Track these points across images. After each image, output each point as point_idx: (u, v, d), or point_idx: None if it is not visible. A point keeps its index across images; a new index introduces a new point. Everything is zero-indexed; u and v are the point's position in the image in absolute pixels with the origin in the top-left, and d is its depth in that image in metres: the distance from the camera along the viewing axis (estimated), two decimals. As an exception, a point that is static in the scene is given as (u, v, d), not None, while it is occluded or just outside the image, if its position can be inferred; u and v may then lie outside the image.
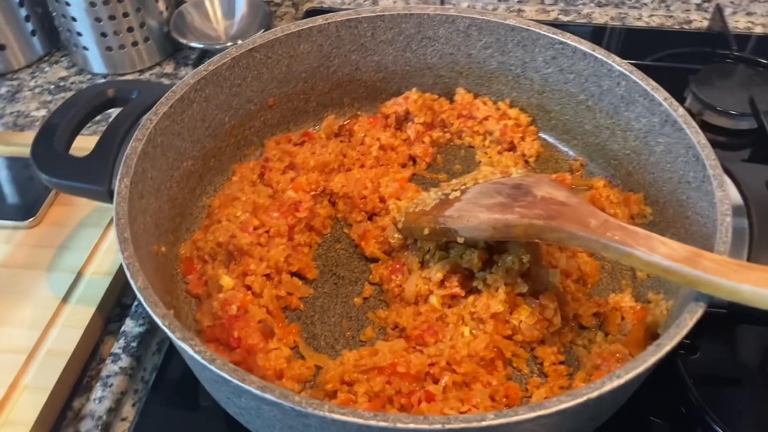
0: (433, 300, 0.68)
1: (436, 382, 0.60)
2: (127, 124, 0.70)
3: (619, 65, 0.76)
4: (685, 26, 1.23)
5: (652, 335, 0.65)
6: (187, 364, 0.65)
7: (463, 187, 0.70)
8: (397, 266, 0.71)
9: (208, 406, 0.69)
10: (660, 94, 0.72)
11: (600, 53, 0.78)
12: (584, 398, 0.47)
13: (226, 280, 0.68)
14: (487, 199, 0.65)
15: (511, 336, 0.66)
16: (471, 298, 0.67)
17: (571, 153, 0.88)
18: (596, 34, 1.22)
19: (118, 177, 0.63)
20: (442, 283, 0.68)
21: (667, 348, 0.50)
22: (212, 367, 0.49)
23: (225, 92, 0.79)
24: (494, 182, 0.68)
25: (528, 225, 0.60)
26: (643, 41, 1.20)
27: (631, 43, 1.20)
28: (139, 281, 0.55)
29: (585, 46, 0.79)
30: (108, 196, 0.66)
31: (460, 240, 0.66)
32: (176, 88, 0.73)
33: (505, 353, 0.65)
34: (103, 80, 1.14)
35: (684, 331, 0.51)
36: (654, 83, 0.73)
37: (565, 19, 1.26)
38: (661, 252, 0.53)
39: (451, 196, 0.69)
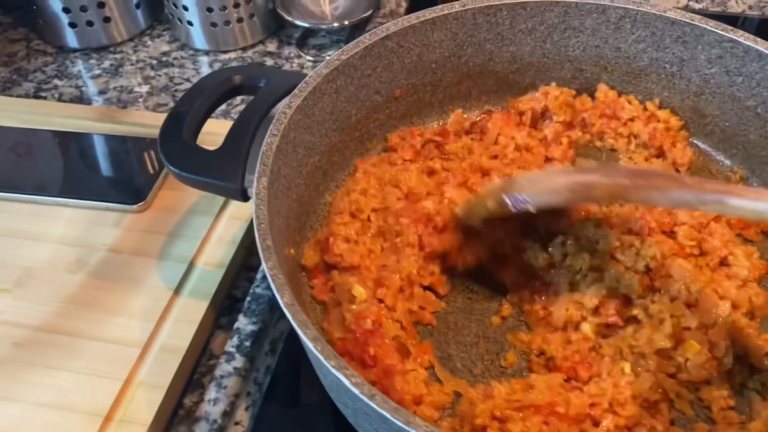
0: (586, 328, 0.61)
1: (596, 424, 0.54)
2: (258, 115, 0.65)
3: (804, 70, 0.67)
4: (838, 18, 1.12)
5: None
6: (303, 369, 0.61)
7: None
8: (541, 287, 0.65)
9: (324, 411, 0.66)
10: None
11: (780, 55, 0.69)
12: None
13: (359, 291, 0.63)
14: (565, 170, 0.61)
15: (674, 374, 0.59)
16: (630, 329, 0.60)
17: (728, 163, 0.79)
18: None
19: (255, 176, 0.59)
20: (596, 310, 0.61)
21: None
22: (372, 404, 0.44)
23: (355, 83, 0.74)
24: None
25: (612, 184, 0.55)
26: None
27: (769, 35, 1.09)
28: (286, 296, 0.50)
29: (761, 45, 0.70)
30: (240, 194, 0.62)
31: (532, 209, 0.59)
32: (309, 78, 0.68)
33: (669, 394, 0.58)
34: (204, 57, 1.11)
35: None
36: None
37: (697, 6, 1.16)
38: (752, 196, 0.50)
39: None
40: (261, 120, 0.65)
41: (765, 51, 0.70)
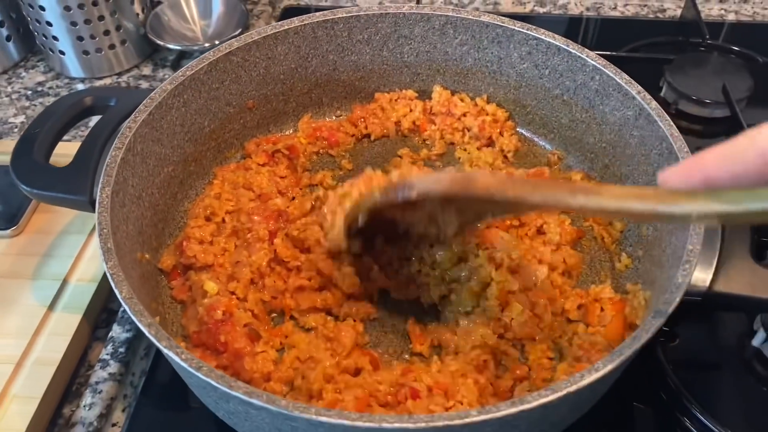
0: None
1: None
2: (106, 132, 0.70)
3: (593, 60, 0.77)
4: (660, 15, 1.25)
5: (630, 326, 0.66)
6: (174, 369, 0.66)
7: None
8: None
9: (197, 407, 0.70)
10: (633, 88, 0.73)
11: (573, 48, 0.79)
12: (564, 392, 0.48)
13: (210, 285, 0.69)
14: None
15: (503, 335, 0.67)
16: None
17: (548, 147, 0.89)
18: (572, 25, 1.23)
19: (99, 186, 0.63)
20: None
21: (644, 340, 0.51)
22: (199, 374, 0.50)
23: (203, 96, 0.79)
24: None
25: (491, 183, 0.56)
26: (618, 31, 1.22)
27: (607, 33, 1.22)
28: (124, 291, 0.55)
29: (558, 41, 0.80)
30: (90, 206, 0.66)
31: (414, 194, 0.59)
32: (154, 94, 0.73)
33: (497, 355, 0.66)
34: (81, 84, 1.14)
35: (659, 323, 0.53)
36: (627, 77, 0.75)
37: (542, 10, 1.27)
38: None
39: None
40: (110, 136, 0.70)
41: (563, 46, 0.80)
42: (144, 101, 0.72)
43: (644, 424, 0.68)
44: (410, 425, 0.46)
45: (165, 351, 0.51)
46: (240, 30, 1.15)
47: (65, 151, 0.76)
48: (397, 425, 0.46)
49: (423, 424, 0.46)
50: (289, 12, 1.25)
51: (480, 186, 0.55)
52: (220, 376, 0.50)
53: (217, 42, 1.13)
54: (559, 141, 0.88)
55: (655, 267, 0.68)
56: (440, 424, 0.46)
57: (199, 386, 0.57)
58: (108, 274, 0.56)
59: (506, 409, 0.47)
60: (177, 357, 0.51)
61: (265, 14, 1.25)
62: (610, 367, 0.50)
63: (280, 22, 0.83)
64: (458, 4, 1.28)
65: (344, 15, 0.84)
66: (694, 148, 0.81)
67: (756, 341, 0.72)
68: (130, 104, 0.73)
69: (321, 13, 0.84)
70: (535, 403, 0.48)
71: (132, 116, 0.70)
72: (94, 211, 0.66)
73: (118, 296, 0.55)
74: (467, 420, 0.47)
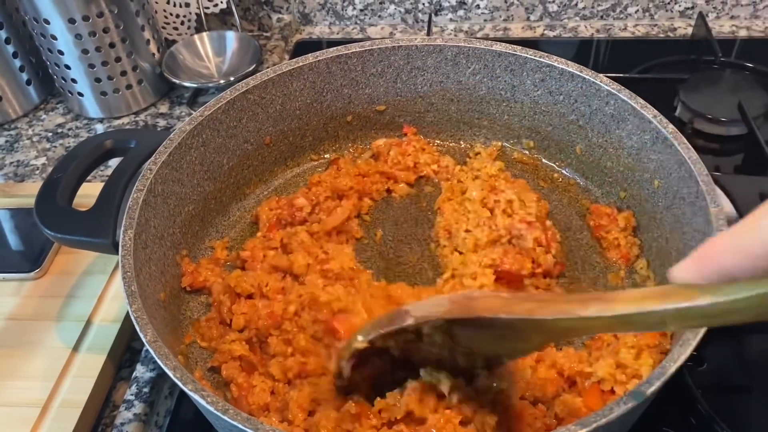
0: None
1: None
2: (127, 174, 0.71)
3: (607, 85, 0.77)
4: (671, 34, 1.25)
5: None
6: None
7: None
8: None
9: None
10: (649, 112, 0.73)
11: (587, 74, 0.79)
12: (593, 426, 0.48)
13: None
14: None
15: None
16: None
17: (566, 173, 0.89)
18: (583, 48, 1.24)
19: (122, 229, 0.64)
20: None
21: (672, 370, 0.51)
22: (225, 418, 0.50)
23: (222, 135, 0.80)
24: None
25: (493, 296, 0.53)
26: (629, 52, 1.22)
27: (618, 54, 1.22)
28: (149, 334, 0.56)
29: (572, 67, 0.80)
30: (113, 248, 0.67)
31: (410, 321, 0.54)
32: (173, 135, 0.74)
33: None
34: (99, 125, 1.16)
35: (688, 351, 0.52)
36: (642, 101, 0.75)
37: (551, 34, 1.28)
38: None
39: None
40: (130, 178, 0.71)
41: (576, 72, 0.80)
42: (164, 143, 0.73)
43: (675, 451, 0.67)
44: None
45: (191, 394, 0.52)
46: (254, 66, 1.17)
47: (88, 192, 0.77)
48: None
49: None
50: (302, 46, 1.27)
51: (481, 306, 0.51)
52: (246, 419, 0.50)
53: (231, 78, 1.15)
54: (576, 166, 0.87)
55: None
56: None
57: (225, 428, 0.57)
58: (133, 318, 0.57)
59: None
60: (203, 400, 0.51)
61: (278, 49, 1.26)
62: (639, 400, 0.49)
63: (294, 59, 0.84)
64: (468, 31, 1.29)
65: (357, 49, 0.85)
66: (712, 167, 0.83)
67: (786, 363, 0.71)
68: (150, 145, 0.74)
69: (335, 48, 0.85)
70: (563, 439, 0.47)
71: (152, 158, 0.71)
72: (116, 254, 0.67)
73: (143, 339, 0.56)
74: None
